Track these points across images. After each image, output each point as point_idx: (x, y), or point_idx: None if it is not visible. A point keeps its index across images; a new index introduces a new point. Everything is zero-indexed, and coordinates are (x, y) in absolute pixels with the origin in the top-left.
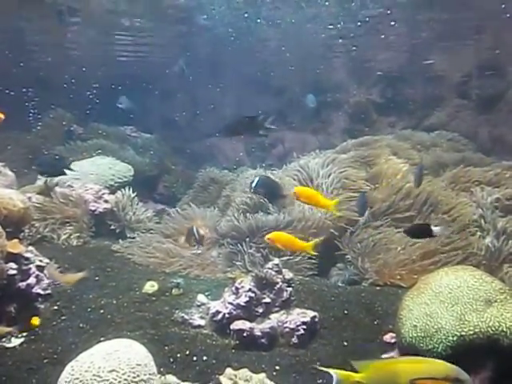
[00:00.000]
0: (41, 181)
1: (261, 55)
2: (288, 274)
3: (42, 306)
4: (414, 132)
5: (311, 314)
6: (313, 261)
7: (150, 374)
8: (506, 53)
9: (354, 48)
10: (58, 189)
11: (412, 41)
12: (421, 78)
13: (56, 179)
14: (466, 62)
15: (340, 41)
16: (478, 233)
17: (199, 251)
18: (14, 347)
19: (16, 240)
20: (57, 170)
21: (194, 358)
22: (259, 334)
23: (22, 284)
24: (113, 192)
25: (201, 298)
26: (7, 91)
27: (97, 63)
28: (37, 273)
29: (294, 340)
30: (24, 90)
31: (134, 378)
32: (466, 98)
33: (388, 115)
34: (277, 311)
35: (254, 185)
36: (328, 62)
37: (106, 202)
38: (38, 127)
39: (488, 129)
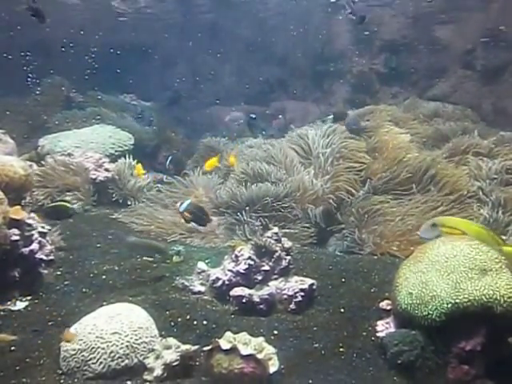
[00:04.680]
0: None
1: (263, 21)
2: (287, 243)
3: (46, 272)
4: (416, 101)
5: (309, 281)
6: (312, 230)
7: (151, 337)
8: None
9: (358, 15)
10: (49, 158)
11: (417, 9)
12: (425, 47)
13: (47, 148)
14: (472, 32)
15: (349, 12)
16: (476, 204)
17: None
18: (19, 310)
19: (18, 206)
20: None
21: (195, 323)
22: (258, 300)
23: (25, 250)
24: (113, 160)
25: (201, 265)
26: (4, 55)
27: (95, 25)
28: (39, 239)
29: (292, 306)
30: (22, 53)
31: (136, 340)
32: (470, 69)
33: (391, 85)
34: (276, 279)
35: (182, 208)
36: (331, 29)
37: (107, 170)
38: (37, 92)
39: (492, 100)
